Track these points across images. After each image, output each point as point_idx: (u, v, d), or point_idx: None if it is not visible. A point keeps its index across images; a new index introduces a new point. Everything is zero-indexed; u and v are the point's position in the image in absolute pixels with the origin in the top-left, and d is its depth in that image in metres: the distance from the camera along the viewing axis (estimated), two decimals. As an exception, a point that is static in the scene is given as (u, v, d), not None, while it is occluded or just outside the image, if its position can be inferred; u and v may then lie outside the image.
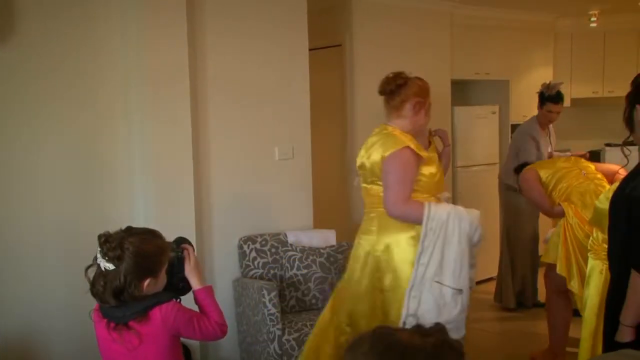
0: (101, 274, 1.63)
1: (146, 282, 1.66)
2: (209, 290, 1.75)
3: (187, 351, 2.94)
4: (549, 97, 4.11)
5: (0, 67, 2.83)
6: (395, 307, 2.44)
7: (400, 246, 2.45)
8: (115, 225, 1.76)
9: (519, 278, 4.52)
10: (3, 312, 2.87)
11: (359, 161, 2.60)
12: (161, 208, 3.16)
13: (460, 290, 2.37)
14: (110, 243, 1.62)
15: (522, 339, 4.00)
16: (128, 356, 1.65)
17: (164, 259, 1.69)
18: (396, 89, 2.51)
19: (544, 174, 3.47)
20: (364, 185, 2.60)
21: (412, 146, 2.44)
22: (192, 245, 1.78)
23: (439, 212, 2.39)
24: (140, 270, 1.65)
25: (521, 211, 4.36)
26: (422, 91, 2.56)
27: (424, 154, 2.50)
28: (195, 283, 1.74)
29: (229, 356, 3.49)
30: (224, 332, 1.73)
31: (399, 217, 2.45)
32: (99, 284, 1.63)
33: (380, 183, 2.48)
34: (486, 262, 4.65)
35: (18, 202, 2.92)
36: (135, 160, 3.22)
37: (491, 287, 4.77)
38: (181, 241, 1.79)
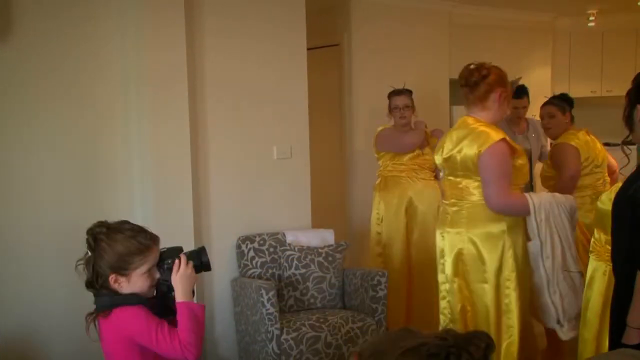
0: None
1: (112, 278, 1.65)
2: (188, 308, 1.62)
3: None
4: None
5: (-1, 66, 2.84)
6: (483, 301, 2.50)
7: (489, 239, 2.48)
8: (113, 225, 1.74)
9: None
10: (3, 312, 2.87)
11: (444, 154, 2.58)
12: (160, 207, 3.17)
13: (581, 273, 2.46)
14: (89, 232, 1.66)
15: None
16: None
17: (134, 261, 1.65)
18: (480, 80, 2.49)
19: None
20: (450, 178, 2.60)
21: (507, 138, 2.45)
22: (189, 260, 1.71)
23: (543, 202, 2.43)
24: (105, 264, 1.64)
25: None
26: (504, 81, 2.55)
27: (516, 145, 2.52)
28: (178, 295, 1.66)
29: (227, 355, 3.49)
30: (188, 355, 1.59)
31: (502, 210, 2.47)
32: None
33: (473, 177, 2.49)
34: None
35: (18, 202, 2.93)
36: (134, 159, 3.21)
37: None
38: (178, 251, 1.73)
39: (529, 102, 4.32)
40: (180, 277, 1.65)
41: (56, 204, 3.00)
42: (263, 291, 3.05)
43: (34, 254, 2.96)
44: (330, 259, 3.48)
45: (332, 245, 3.56)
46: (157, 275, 1.69)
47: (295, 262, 3.43)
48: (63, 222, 2.98)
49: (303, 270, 3.43)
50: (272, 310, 3.04)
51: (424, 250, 3.87)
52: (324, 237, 3.61)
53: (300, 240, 3.54)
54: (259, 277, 3.43)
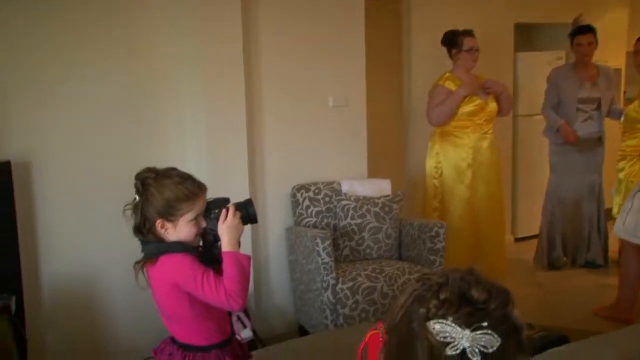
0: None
1: (159, 223, 1.62)
2: (234, 257, 1.58)
3: None
4: (574, 31, 3.99)
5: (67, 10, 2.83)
6: None
7: None
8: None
9: (563, 235, 4.34)
10: (68, 260, 2.94)
11: None
12: (214, 157, 3.16)
13: None
14: (138, 177, 1.64)
15: (583, 295, 3.90)
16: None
17: (182, 207, 1.61)
18: None
19: None
20: None
21: None
22: (237, 210, 1.67)
23: None
24: (153, 209, 1.61)
25: (560, 167, 4.20)
26: None
27: None
28: (223, 244, 1.62)
29: (282, 303, 3.52)
30: (233, 305, 1.57)
31: None
32: None
33: None
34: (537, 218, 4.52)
35: (77, 149, 2.95)
36: (185, 109, 3.18)
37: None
38: (225, 202, 1.70)
39: (596, 40, 4.05)
40: (226, 227, 1.62)
41: (110, 154, 3.01)
42: (319, 240, 3.04)
43: (93, 202, 3.00)
44: (386, 209, 3.44)
45: (388, 196, 3.50)
46: (204, 224, 1.66)
47: (350, 211, 3.39)
48: (116, 170, 2.97)
49: (359, 220, 3.39)
50: (327, 259, 3.02)
51: (489, 208, 3.80)
52: (380, 187, 3.55)
53: (356, 190, 3.49)
54: (314, 226, 3.41)
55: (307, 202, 3.44)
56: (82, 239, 2.96)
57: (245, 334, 2.82)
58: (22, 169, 2.76)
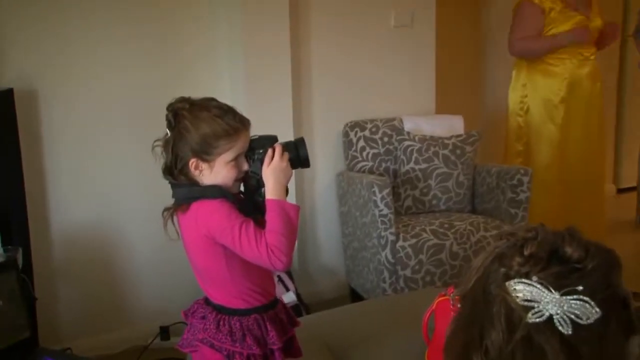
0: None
1: (193, 163, 1.60)
2: (279, 206, 1.56)
3: None
4: None
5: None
6: None
7: None
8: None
9: None
10: (81, 206, 2.96)
11: None
12: (253, 89, 3.14)
13: None
14: (170, 108, 1.62)
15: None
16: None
17: (220, 145, 1.59)
18: None
19: None
20: None
21: None
22: (285, 151, 1.65)
23: None
24: (186, 146, 1.59)
25: None
26: None
27: None
28: (268, 191, 1.60)
29: (331, 262, 3.54)
30: (277, 263, 1.52)
31: None
32: None
33: None
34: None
35: (92, 82, 2.93)
36: (220, 30, 3.14)
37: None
38: (272, 141, 1.67)
39: None
40: (272, 170, 1.59)
41: (130, 88, 2.98)
42: (376, 188, 3.00)
43: (110, 138, 2.99)
44: (458, 152, 3.38)
45: (460, 136, 3.44)
46: (245, 166, 1.64)
47: (414, 154, 3.36)
48: (137, 107, 2.95)
49: (424, 165, 3.35)
50: (386, 211, 2.99)
51: (585, 152, 3.70)
52: (451, 125, 3.50)
53: (422, 128, 3.46)
54: (370, 171, 3.40)
55: (362, 143, 3.42)
56: (97, 182, 2.96)
57: (288, 298, 3.00)
58: (27, 98, 2.75)
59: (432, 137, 3.39)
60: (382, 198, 2.99)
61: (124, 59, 2.96)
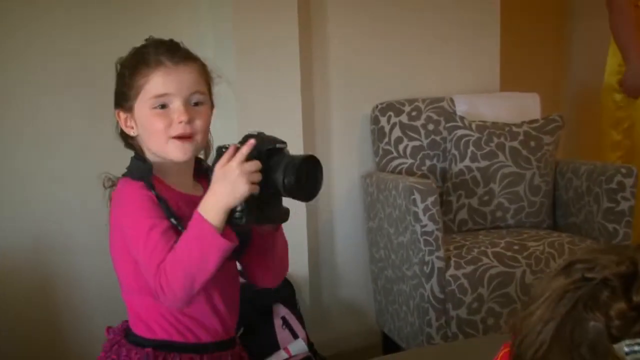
0: None
1: (117, 115, 1.65)
2: (198, 228, 1.49)
3: (290, 288, 3.05)
4: None
5: None
6: None
7: None
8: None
9: None
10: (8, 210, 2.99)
11: None
12: (244, 60, 3.13)
13: None
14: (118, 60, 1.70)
15: None
16: None
17: (136, 80, 1.59)
18: None
19: None
20: None
21: None
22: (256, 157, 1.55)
23: None
24: (115, 94, 1.66)
25: None
26: None
27: None
28: (203, 200, 1.53)
29: (355, 299, 3.53)
30: (161, 295, 1.49)
31: None
32: None
33: None
34: None
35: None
36: None
37: None
38: (266, 143, 1.60)
39: None
40: (222, 175, 1.50)
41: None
42: (417, 195, 2.92)
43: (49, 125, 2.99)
44: (532, 144, 3.34)
45: (536, 121, 3.40)
46: (183, 117, 1.59)
47: (471, 148, 3.30)
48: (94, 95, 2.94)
49: (484, 163, 3.29)
50: (431, 227, 2.90)
51: None
52: (523, 107, 3.50)
53: (481, 112, 3.44)
54: (410, 172, 3.38)
55: (397, 132, 3.39)
56: (34, 198, 2.99)
57: (297, 348, 2.92)
58: None
59: (495, 124, 3.36)
60: (426, 209, 2.91)
61: (73, 43, 3.01)
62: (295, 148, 3.30)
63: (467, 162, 3.28)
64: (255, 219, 1.50)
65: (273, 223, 1.59)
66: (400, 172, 3.35)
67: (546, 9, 4.54)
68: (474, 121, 3.33)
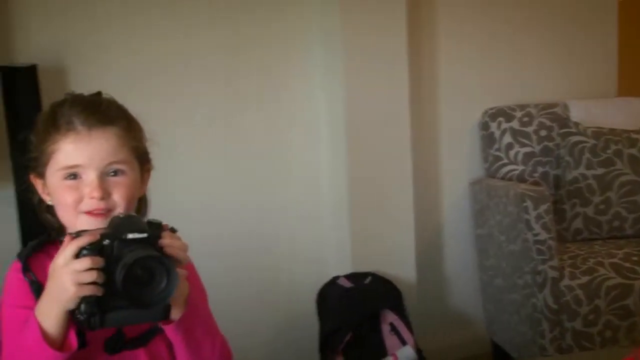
0: None
1: (37, 182, 1.44)
2: (29, 326, 1.32)
3: (398, 293, 2.99)
4: None
5: None
6: None
7: None
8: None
9: None
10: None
11: None
12: (353, 67, 3.09)
13: None
14: None
15: None
16: None
17: (46, 143, 1.40)
18: None
19: None
20: None
21: None
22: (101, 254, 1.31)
23: None
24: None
25: None
26: None
27: None
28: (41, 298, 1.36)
29: (464, 307, 3.52)
30: None
31: None
32: None
33: None
34: None
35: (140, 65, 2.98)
36: None
37: None
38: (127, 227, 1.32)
39: None
40: (51, 272, 1.29)
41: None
42: (529, 203, 2.90)
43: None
44: None
45: None
46: (95, 193, 1.40)
47: (586, 155, 3.27)
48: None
49: (601, 171, 3.26)
50: (544, 235, 2.88)
51: None
52: None
53: (597, 118, 3.38)
54: (521, 178, 3.36)
55: (508, 138, 3.37)
56: None
57: (405, 354, 2.94)
58: (53, 75, 2.80)
59: (612, 130, 3.32)
60: (539, 217, 2.89)
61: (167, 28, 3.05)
62: (403, 156, 3.29)
63: (582, 169, 3.24)
64: (100, 323, 1.25)
65: (137, 323, 1.34)
66: (510, 179, 3.34)
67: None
68: (589, 127, 3.30)
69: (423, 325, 3.22)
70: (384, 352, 2.88)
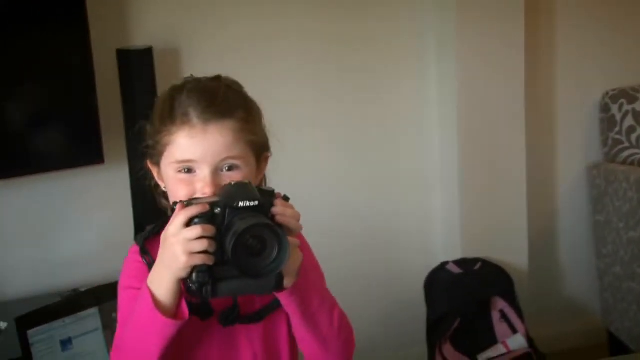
0: None
1: (152, 168, 1.44)
2: (141, 297, 1.35)
3: (509, 280, 2.97)
4: None
5: None
6: None
7: None
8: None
9: None
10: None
11: None
12: (465, 43, 3.07)
13: None
14: None
15: None
16: None
17: (161, 130, 1.39)
18: None
19: None
20: None
21: None
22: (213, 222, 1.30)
23: None
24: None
25: None
26: None
27: None
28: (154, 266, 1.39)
29: (579, 296, 3.48)
30: None
31: None
32: None
33: None
34: None
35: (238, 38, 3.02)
36: None
37: None
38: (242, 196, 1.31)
39: None
40: (162, 240, 1.30)
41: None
42: None
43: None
44: None
45: None
46: (208, 189, 1.37)
47: None
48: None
49: None
50: None
51: None
52: None
53: None
54: None
55: (630, 121, 3.29)
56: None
57: (516, 343, 2.94)
58: (169, 57, 2.88)
59: None
60: None
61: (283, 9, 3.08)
62: (517, 139, 3.25)
63: None
64: (212, 293, 1.25)
65: (250, 294, 1.35)
66: (632, 164, 3.25)
67: None
68: None
69: (535, 314, 3.18)
70: (493, 339, 2.85)
